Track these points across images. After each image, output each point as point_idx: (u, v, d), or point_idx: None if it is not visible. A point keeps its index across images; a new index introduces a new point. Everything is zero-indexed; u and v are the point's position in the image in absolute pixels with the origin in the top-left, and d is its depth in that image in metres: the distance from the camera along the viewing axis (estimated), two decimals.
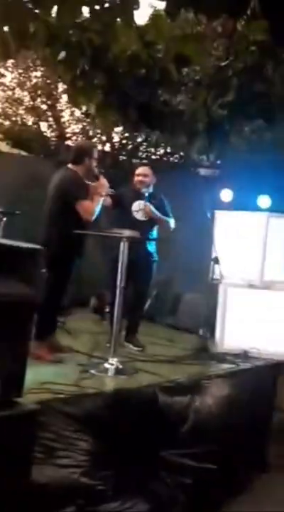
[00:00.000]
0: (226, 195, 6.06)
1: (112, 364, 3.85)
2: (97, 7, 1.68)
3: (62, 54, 1.70)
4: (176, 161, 8.04)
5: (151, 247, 5.01)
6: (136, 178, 5.06)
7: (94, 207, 4.20)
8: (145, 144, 8.02)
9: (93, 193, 4.29)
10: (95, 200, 4.24)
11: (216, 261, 5.08)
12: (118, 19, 1.69)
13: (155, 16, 1.70)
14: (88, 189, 4.31)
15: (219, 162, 6.94)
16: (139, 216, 4.93)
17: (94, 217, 4.21)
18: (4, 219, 5.32)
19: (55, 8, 1.68)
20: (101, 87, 1.65)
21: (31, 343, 4.09)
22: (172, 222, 5.08)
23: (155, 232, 5.07)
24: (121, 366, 3.88)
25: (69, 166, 4.37)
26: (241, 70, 4.67)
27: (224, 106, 4.45)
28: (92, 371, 3.78)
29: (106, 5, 1.65)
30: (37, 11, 1.65)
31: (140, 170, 5.13)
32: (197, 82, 3.75)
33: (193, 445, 3.23)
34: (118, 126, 7.12)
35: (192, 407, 3.38)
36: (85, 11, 1.73)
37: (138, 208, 4.93)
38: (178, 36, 1.71)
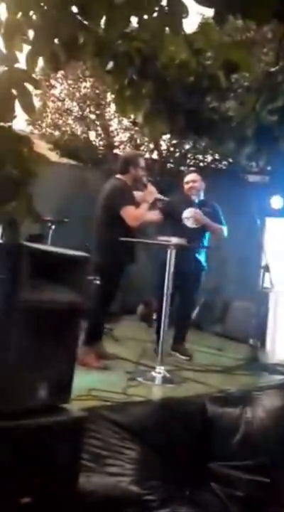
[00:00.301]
0: (277, 201, 5.96)
1: (159, 372, 3.84)
2: (145, 16, 1.68)
3: (110, 64, 1.71)
4: (224, 167, 7.97)
5: (201, 255, 4.95)
6: (186, 186, 5.04)
7: (139, 213, 4.27)
8: (193, 151, 7.99)
9: (140, 200, 4.33)
10: (142, 207, 4.30)
11: (267, 269, 5.00)
12: (167, 28, 1.68)
13: (204, 24, 1.68)
14: (134, 197, 4.35)
15: (268, 168, 6.84)
16: (190, 223, 4.87)
17: (138, 223, 4.26)
18: (53, 227, 5.42)
19: (103, 19, 1.69)
20: (148, 96, 1.65)
21: (79, 349, 4.22)
22: (224, 230, 5.00)
23: (206, 240, 5.00)
24: (168, 375, 3.87)
25: (118, 175, 4.47)
26: None
27: (273, 112, 4.38)
28: (139, 379, 3.78)
29: (155, 14, 1.64)
30: (86, 22, 1.66)
31: (189, 177, 5.10)
32: (247, 88, 3.70)
33: (244, 457, 3.16)
34: (165, 133, 7.13)
35: (243, 419, 3.32)
36: (133, 20, 1.73)
37: (189, 215, 4.88)
38: (227, 43, 1.69)
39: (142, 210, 4.31)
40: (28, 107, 1.50)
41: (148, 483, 2.77)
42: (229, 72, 1.66)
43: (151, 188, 4.44)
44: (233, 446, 3.23)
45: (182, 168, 7.73)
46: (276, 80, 4.39)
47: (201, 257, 4.95)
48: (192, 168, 7.54)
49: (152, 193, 4.42)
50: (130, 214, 4.22)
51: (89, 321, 4.27)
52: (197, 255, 4.89)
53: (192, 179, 5.05)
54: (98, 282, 4.29)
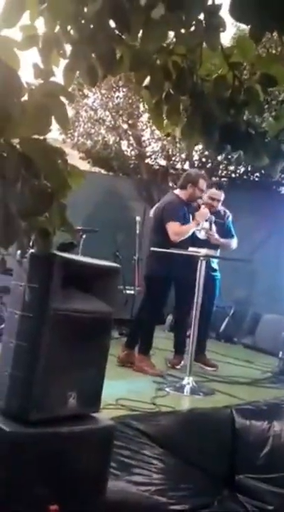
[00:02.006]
0: None
1: (188, 383, 3.84)
2: (183, 31, 1.69)
3: (147, 79, 1.73)
4: (257, 179, 7.91)
5: (214, 265, 4.86)
6: (208, 199, 4.80)
7: (183, 229, 4.39)
8: (225, 162, 7.96)
9: (193, 217, 4.49)
10: (189, 225, 4.44)
11: None
12: (204, 42, 1.69)
13: (240, 37, 1.69)
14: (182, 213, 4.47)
15: None
16: (201, 236, 4.75)
17: (179, 239, 4.35)
18: (84, 236, 5.47)
19: (140, 33, 1.70)
20: (185, 110, 1.65)
21: (136, 356, 4.36)
22: (234, 242, 4.91)
23: (218, 251, 4.88)
24: (196, 385, 3.86)
25: (176, 190, 4.66)
26: None
27: None
28: (168, 389, 3.78)
29: (192, 28, 1.65)
30: (123, 36, 1.68)
31: (216, 193, 4.88)
32: (282, 101, 3.68)
33: (273, 470, 3.13)
34: (198, 144, 7.10)
35: (271, 432, 3.29)
36: (170, 34, 1.74)
37: (201, 228, 4.69)
38: (264, 56, 1.69)
39: (187, 228, 4.42)
40: (63, 121, 1.52)
41: (175, 493, 2.77)
42: (267, 86, 1.66)
43: (204, 210, 4.54)
44: (261, 458, 3.20)
45: (214, 179, 7.68)
46: None
47: (215, 265, 4.85)
48: (219, 182, 7.40)
49: (203, 214, 4.52)
50: (174, 229, 4.34)
51: (142, 331, 4.46)
52: (210, 263, 4.72)
53: (218, 198, 4.86)
54: (146, 292, 4.52)
